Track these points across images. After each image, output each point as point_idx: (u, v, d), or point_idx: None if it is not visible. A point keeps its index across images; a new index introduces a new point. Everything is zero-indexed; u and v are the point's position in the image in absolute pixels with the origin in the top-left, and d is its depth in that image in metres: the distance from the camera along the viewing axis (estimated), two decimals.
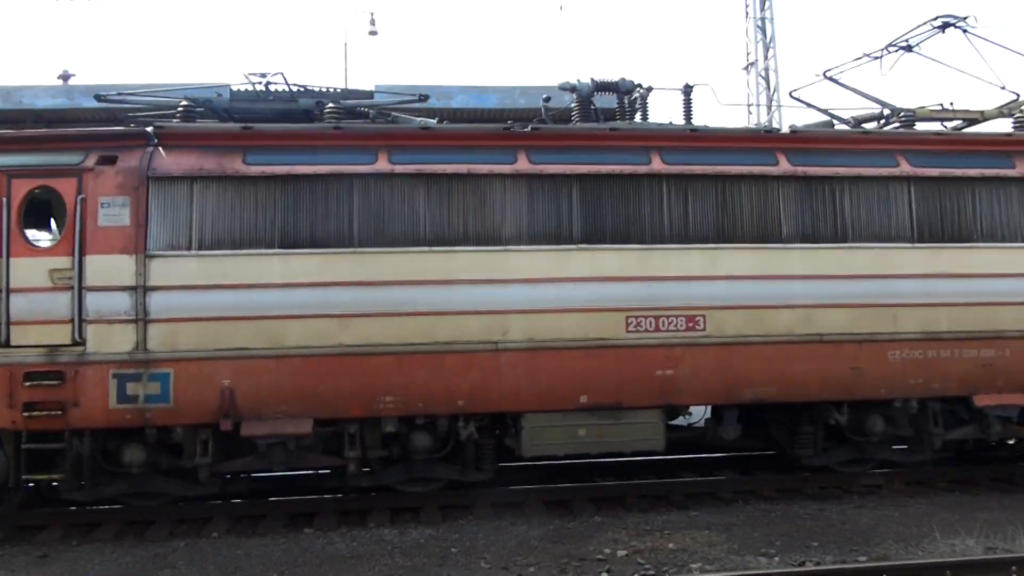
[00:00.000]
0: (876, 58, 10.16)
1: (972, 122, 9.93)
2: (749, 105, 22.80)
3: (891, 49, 10.13)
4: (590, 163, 8.26)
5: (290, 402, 7.61)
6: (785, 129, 9.37)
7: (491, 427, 8.28)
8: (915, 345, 8.48)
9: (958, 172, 8.78)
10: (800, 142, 8.82)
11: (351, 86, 12.29)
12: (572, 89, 9.14)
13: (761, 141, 8.93)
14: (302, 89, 8.89)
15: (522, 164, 8.16)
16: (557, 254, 8.04)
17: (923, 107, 9.80)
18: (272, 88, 8.89)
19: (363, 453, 8.04)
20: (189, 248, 7.60)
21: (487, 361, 7.85)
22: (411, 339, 7.75)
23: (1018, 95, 9.90)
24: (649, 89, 9.35)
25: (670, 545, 7.01)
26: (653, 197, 8.28)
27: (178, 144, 7.92)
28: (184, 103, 8.47)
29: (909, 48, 10.14)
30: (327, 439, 8.02)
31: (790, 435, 9.02)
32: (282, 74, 8.81)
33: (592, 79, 9.17)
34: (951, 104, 9.85)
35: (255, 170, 7.79)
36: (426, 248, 7.86)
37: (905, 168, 8.72)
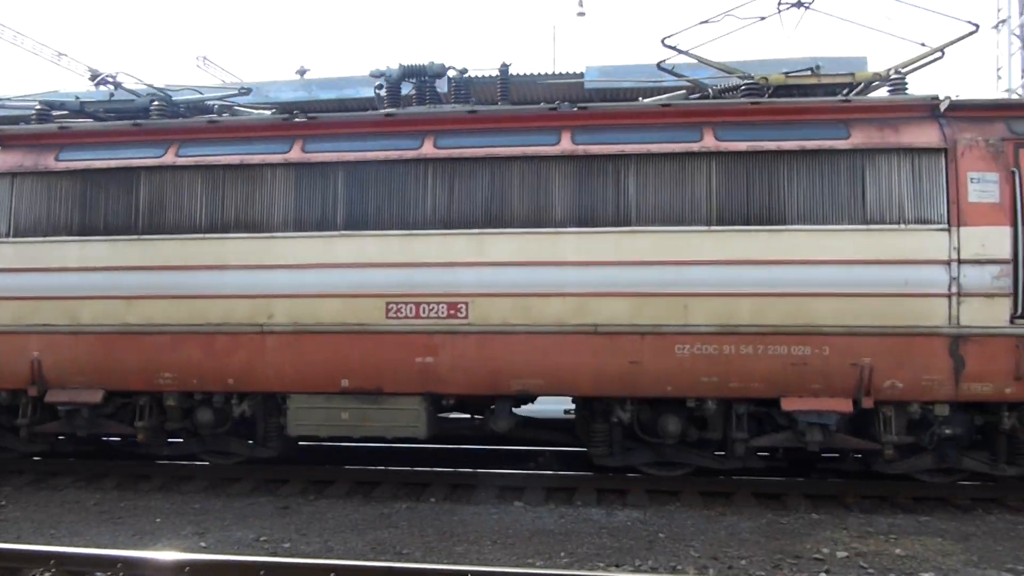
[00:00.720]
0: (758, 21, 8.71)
1: (850, 87, 8.41)
2: (999, 69, 20.44)
3: (784, 5, 8.74)
4: (358, 150, 8.21)
5: (85, 374, 8.41)
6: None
7: (263, 405, 8.62)
8: (708, 339, 7.57)
9: (772, 145, 7.67)
10: (589, 118, 8.11)
11: (559, 69, 12.46)
12: (381, 75, 9.14)
13: (545, 119, 8.21)
14: (152, 89, 9.68)
15: (294, 154, 8.31)
16: (321, 240, 8.13)
17: (790, 73, 8.48)
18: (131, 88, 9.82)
19: (160, 424, 8.66)
20: (8, 236, 8.65)
21: (254, 343, 8.17)
22: (186, 320, 8.25)
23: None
24: (464, 71, 9.09)
25: (897, 551, 6.52)
26: (418, 182, 8.09)
27: (11, 144, 8.95)
28: (38, 106, 9.48)
29: (800, 4, 8.67)
30: (120, 409, 8.78)
31: (587, 432, 8.34)
32: (129, 74, 9.83)
33: (400, 64, 9.10)
34: (817, 68, 8.53)
35: (62, 165, 8.66)
36: (200, 235, 8.32)
37: (708, 143, 7.76)
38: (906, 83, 8.35)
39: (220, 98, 9.95)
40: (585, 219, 7.84)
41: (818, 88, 8.37)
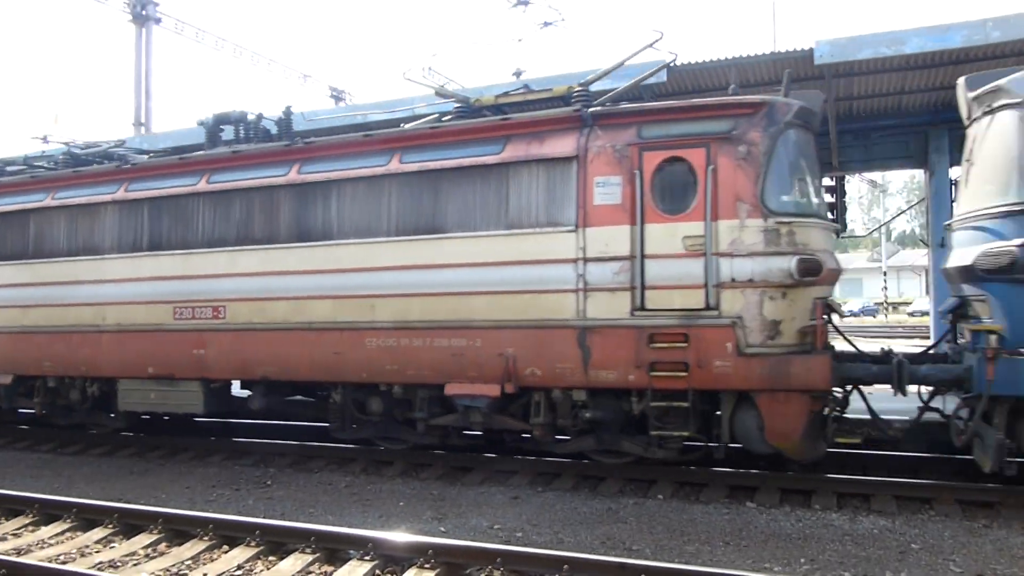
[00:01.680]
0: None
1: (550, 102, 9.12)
2: None
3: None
4: (158, 188, 10.45)
5: (2, 363, 11.57)
6: None
7: (106, 387, 11.01)
8: (390, 333, 8.83)
9: (437, 164, 8.78)
10: (311, 151, 9.71)
11: (781, 47, 11.79)
12: (201, 123, 11.15)
13: (282, 155, 9.88)
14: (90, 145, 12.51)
15: (119, 193, 10.73)
16: (133, 260, 10.50)
17: (504, 94, 9.57)
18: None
19: (53, 400, 11.55)
20: None
21: (94, 339, 10.73)
22: (56, 323, 11.04)
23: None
24: (259, 116, 10.86)
25: None
26: (195, 211, 10.15)
27: None
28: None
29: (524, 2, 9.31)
30: (29, 389, 11.74)
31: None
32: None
33: (214, 114, 11.01)
34: (526, 87, 9.66)
35: None
36: (63, 259, 11.09)
37: (393, 166, 9.04)
38: (587, 94, 8.83)
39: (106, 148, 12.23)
40: (304, 236, 9.46)
41: (526, 104, 9.49)
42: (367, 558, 6.13)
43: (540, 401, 8.47)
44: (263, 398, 10.10)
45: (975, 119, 7.51)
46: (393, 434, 9.61)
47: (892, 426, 8.06)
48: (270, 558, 6.41)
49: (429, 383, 8.81)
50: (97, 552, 6.70)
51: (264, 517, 7.43)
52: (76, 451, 11.45)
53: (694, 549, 6.47)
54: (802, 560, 6.14)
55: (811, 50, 10.84)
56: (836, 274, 8.13)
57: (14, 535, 7.24)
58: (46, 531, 7.28)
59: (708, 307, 7.62)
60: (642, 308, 7.83)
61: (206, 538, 6.78)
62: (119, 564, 6.36)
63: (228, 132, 11.14)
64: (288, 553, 6.42)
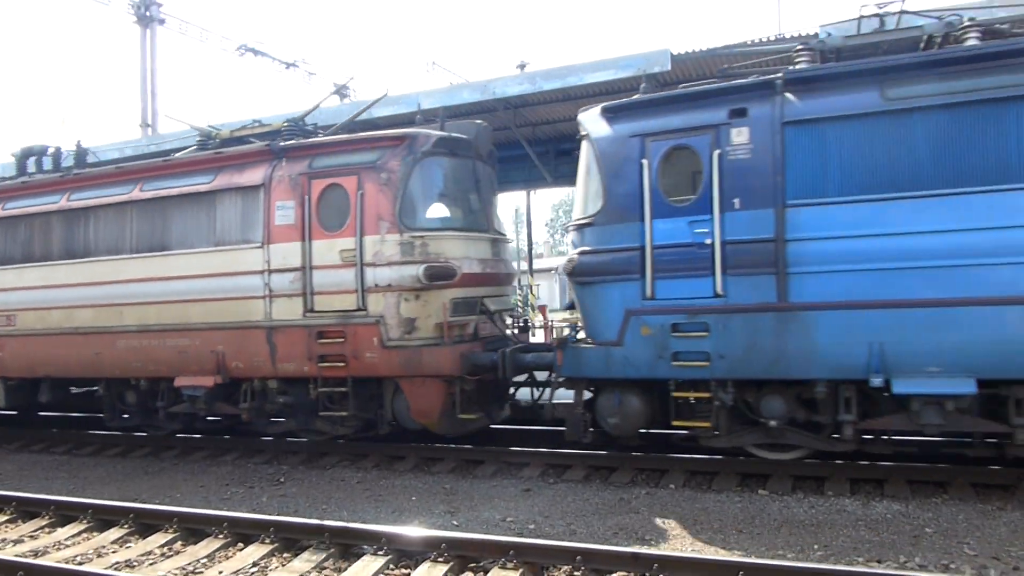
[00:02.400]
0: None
1: (273, 135, 10.68)
2: None
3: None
4: None
5: None
6: None
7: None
8: (134, 336, 10.47)
9: (164, 192, 10.42)
10: (77, 182, 11.33)
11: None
12: (12, 155, 12.73)
13: (57, 184, 11.53)
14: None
15: None
16: None
17: (240, 128, 11.15)
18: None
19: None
20: None
21: None
22: None
23: None
24: (58, 150, 12.50)
25: None
26: (2, 233, 11.76)
27: None
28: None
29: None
30: None
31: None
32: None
33: (22, 148, 12.57)
34: (257, 121, 11.37)
35: None
36: None
37: (135, 194, 10.66)
38: (308, 128, 10.88)
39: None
40: (71, 253, 11.08)
41: (255, 136, 10.87)
42: (380, 553, 6.16)
43: (247, 389, 10.08)
44: (50, 392, 11.84)
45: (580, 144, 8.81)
46: (147, 422, 11.15)
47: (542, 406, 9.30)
48: (284, 555, 6.45)
49: (165, 376, 10.48)
50: (114, 552, 6.75)
51: (278, 514, 7.47)
52: (91, 452, 11.53)
53: (707, 538, 6.47)
54: (816, 546, 6.13)
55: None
56: (484, 277, 9.71)
57: (31, 537, 7.31)
58: (63, 532, 7.34)
59: (359, 308, 9.09)
60: (311, 310, 9.36)
61: (221, 536, 6.83)
62: (135, 564, 6.41)
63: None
64: (302, 550, 6.46)
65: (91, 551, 6.78)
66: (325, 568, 6.12)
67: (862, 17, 8.17)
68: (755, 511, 7.12)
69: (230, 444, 11.09)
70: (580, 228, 8.37)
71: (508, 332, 10.05)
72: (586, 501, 7.71)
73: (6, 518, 7.88)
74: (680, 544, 6.33)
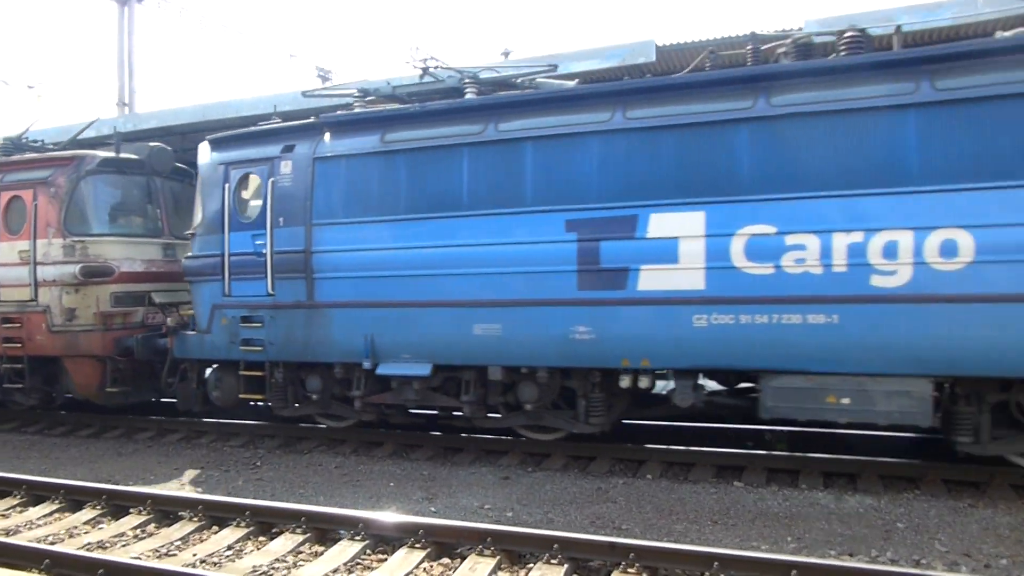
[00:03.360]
0: None
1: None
2: None
3: None
4: None
5: None
6: None
7: None
8: None
9: None
10: None
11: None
12: None
13: None
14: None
15: None
16: None
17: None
18: None
19: None
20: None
21: None
22: None
23: None
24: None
25: None
26: None
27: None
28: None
29: None
30: None
31: None
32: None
33: None
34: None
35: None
36: None
37: None
38: (32, 143, 12.22)
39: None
40: None
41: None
42: (357, 538, 6.15)
43: None
44: None
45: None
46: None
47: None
48: (260, 538, 6.42)
49: None
50: (86, 533, 6.69)
51: (254, 498, 7.43)
52: (63, 432, 11.40)
53: (683, 528, 6.52)
54: (789, 539, 6.20)
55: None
56: (150, 275, 11.49)
57: (2, 515, 7.22)
58: (34, 512, 7.26)
59: (32, 299, 10.97)
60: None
61: (195, 519, 6.78)
62: (107, 544, 6.35)
63: None
64: (278, 533, 6.43)
65: (63, 531, 6.71)
66: (301, 552, 6.09)
67: None
68: (730, 502, 7.18)
69: (205, 427, 11.00)
70: (191, 237, 10.20)
71: (181, 321, 10.67)
72: (564, 490, 7.73)
73: None
74: (656, 534, 6.37)
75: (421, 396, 8.94)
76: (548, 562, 5.60)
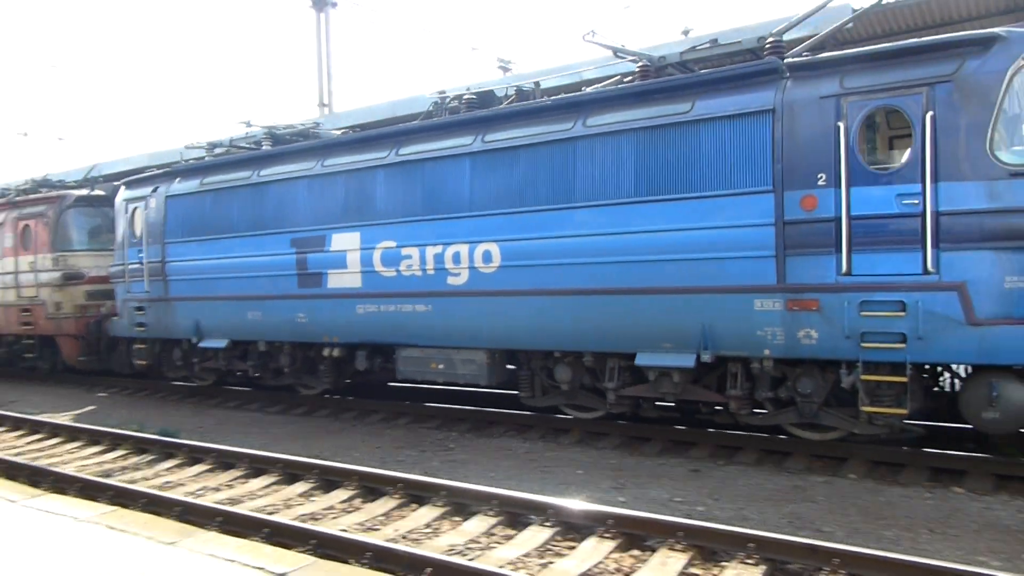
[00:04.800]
0: None
1: None
2: None
3: None
4: None
5: None
6: None
7: None
8: None
9: None
10: None
11: None
12: None
13: None
14: None
15: None
16: None
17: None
18: None
19: None
20: None
21: None
22: None
23: None
24: None
25: None
26: None
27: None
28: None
29: None
30: None
31: None
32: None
33: None
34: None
35: None
36: None
37: None
38: (57, 184, 17.84)
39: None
40: None
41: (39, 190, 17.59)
42: (547, 524, 6.20)
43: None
44: None
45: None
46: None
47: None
48: (455, 518, 6.64)
49: None
50: (300, 505, 7.23)
51: (448, 479, 7.71)
52: (279, 411, 12.43)
53: (893, 535, 6.04)
54: None
55: None
56: (107, 278, 15.14)
57: (228, 486, 7.96)
58: (255, 483, 7.95)
59: (37, 296, 15.94)
60: (21, 296, 16.40)
61: (396, 496, 7.14)
62: (320, 516, 6.82)
63: None
64: (472, 515, 6.62)
65: (280, 502, 7.28)
66: (494, 534, 6.24)
67: None
68: (949, 510, 6.56)
69: (404, 408, 11.58)
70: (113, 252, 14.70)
71: (111, 311, 15.06)
72: (758, 486, 7.41)
73: (207, 467, 8.63)
74: (862, 539, 5.93)
75: (226, 363, 12.91)
76: (743, 562, 5.37)
